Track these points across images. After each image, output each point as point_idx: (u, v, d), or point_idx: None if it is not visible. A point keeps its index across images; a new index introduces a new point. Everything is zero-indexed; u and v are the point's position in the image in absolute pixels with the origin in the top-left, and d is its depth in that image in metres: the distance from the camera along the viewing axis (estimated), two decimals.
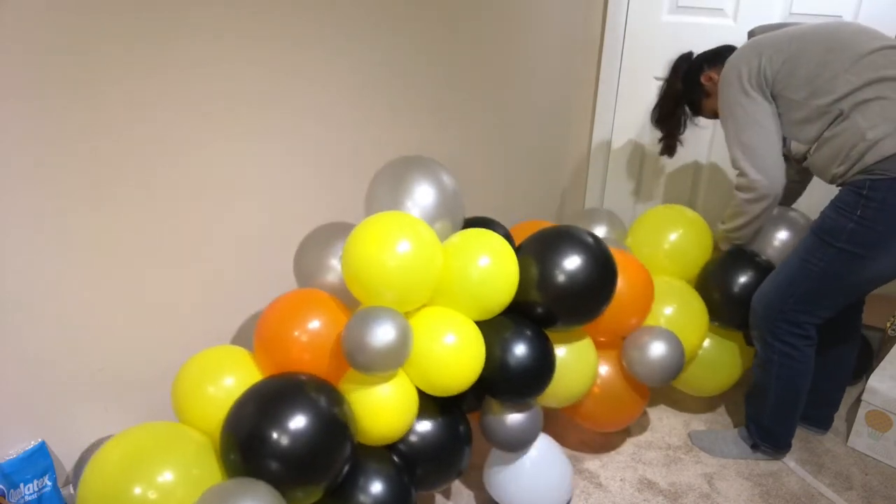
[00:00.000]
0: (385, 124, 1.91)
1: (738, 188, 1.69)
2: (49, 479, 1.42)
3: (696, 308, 1.87)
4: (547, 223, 2.02)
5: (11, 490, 1.37)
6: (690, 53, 1.90)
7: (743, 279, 1.82)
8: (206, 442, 1.28)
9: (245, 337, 1.69)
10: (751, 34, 1.77)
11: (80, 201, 1.36)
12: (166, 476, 1.15)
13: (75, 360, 1.45)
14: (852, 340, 1.89)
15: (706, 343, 1.93)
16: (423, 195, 1.48)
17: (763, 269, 1.81)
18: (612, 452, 1.94)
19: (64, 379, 1.44)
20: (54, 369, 1.42)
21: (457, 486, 1.81)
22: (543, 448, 1.61)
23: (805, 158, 1.64)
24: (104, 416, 1.51)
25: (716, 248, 1.98)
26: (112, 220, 1.42)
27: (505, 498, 1.60)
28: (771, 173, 1.62)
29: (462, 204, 1.58)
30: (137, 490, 1.13)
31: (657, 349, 1.68)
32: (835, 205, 1.55)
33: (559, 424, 2.00)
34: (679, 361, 1.71)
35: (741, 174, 1.66)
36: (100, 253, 1.42)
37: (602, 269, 1.53)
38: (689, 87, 1.89)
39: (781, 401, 1.76)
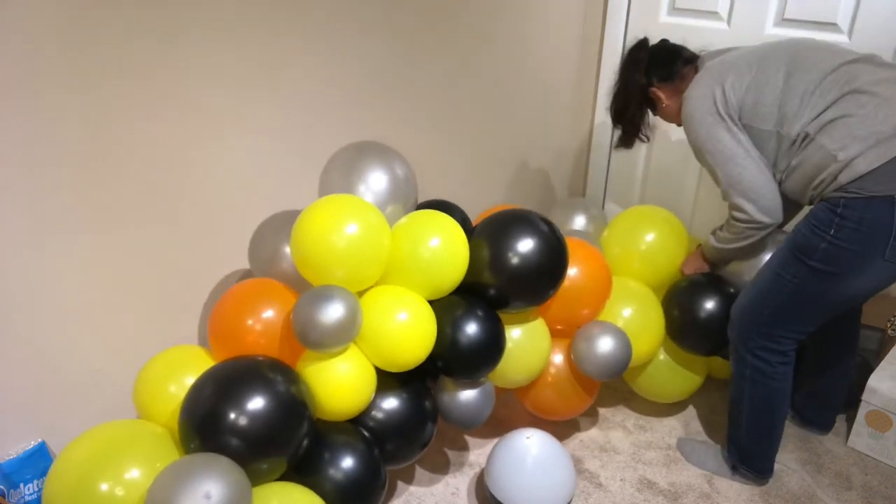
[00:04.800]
0: (387, 122, 1.91)
1: (737, 220, 1.61)
2: None
3: (654, 317, 1.86)
4: (515, 207, 2.03)
5: (11, 490, 1.37)
6: (646, 41, 1.78)
7: (708, 306, 1.78)
8: (167, 434, 1.30)
9: None
10: (700, 61, 1.69)
11: (80, 201, 1.36)
12: (131, 472, 1.17)
13: (75, 360, 1.45)
14: (850, 342, 1.87)
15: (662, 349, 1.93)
16: (375, 180, 1.51)
17: (730, 299, 1.76)
18: (612, 452, 1.94)
19: (64, 379, 1.44)
20: (54, 369, 1.42)
21: (458, 484, 1.82)
22: (546, 445, 1.62)
23: (778, 186, 1.58)
24: (104, 416, 1.51)
25: (688, 263, 1.92)
26: (112, 221, 1.42)
27: (507, 496, 1.59)
28: (768, 203, 1.55)
29: (415, 188, 1.60)
30: (104, 487, 1.14)
31: (604, 344, 1.68)
32: (809, 221, 1.49)
33: (558, 425, 2.00)
34: (624, 359, 1.70)
35: (737, 209, 1.59)
36: (100, 253, 1.42)
37: (552, 254, 1.56)
38: (645, 91, 1.76)
39: (755, 419, 1.69)
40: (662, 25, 2.34)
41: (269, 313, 1.38)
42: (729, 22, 2.19)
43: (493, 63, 2.19)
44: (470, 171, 2.29)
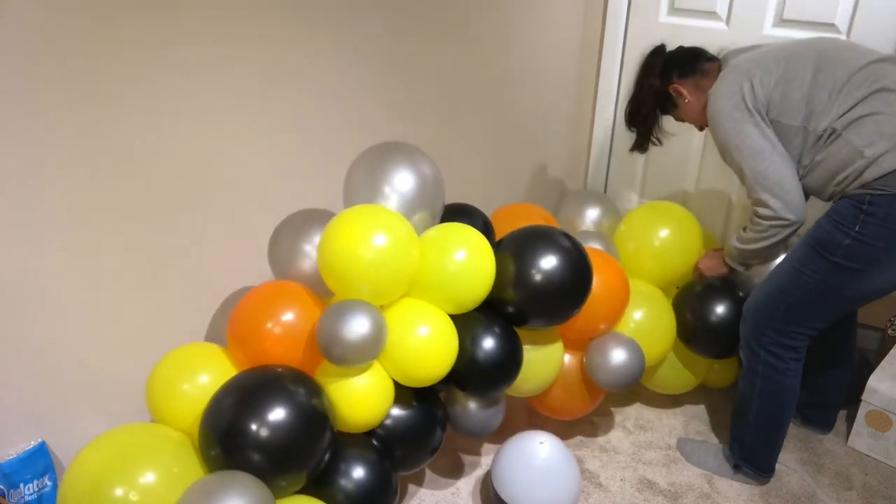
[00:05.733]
0: (386, 120, 1.91)
1: (762, 217, 1.58)
2: (49, 479, 1.42)
3: (666, 320, 1.87)
4: (533, 206, 2.04)
5: (11, 490, 1.37)
6: (662, 47, 1.79)
7: (720, 310, 1.80)
8: (185, 440, 1.29)
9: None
10: (724, 59, 1.68)
11: (81, 202, 1.36)
12: (147, 477, 1.16)
13: (75, 360, 1.44)
14: (848, 340, 1.88)
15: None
16: (401, 181, 1.46)
17: (741, 304, 1.76)
18: (612, 452, 1.94)
19: (64, 379, 1.44)
20: (54, 369, 1.42)
21: (459, 484, 1.82)
22: (557, 452, 1.62)
23: (800, 181, 1.57)
24: (104, 416, 1.51)
25: (701, 268, 1.92)
26: (113, 221, 1.42)
27: (514, 499, 1.59)
28: (793, 199, 1.53)
29: (442, 191, 1.56)
30: (119, 492, 1.13)
31: (618, 356, 1.69)
32: (832, 217, 1.50)
33: (559, 424, 2.00)
34: (637, 371, 1.72)
35: (762, 205, 1.57)
36: (100, 253, 1.42)
37: (578, 275, 1.55)
38: (663, 90, 1.77)
39: (764, 417, 1.70)
40: (662, 25, 2.35)
41: (288, 317, 1.36)
42: (728, 22, 2.20)
43: (493, 62, 2.19)
44: (471, 169, 2.29)
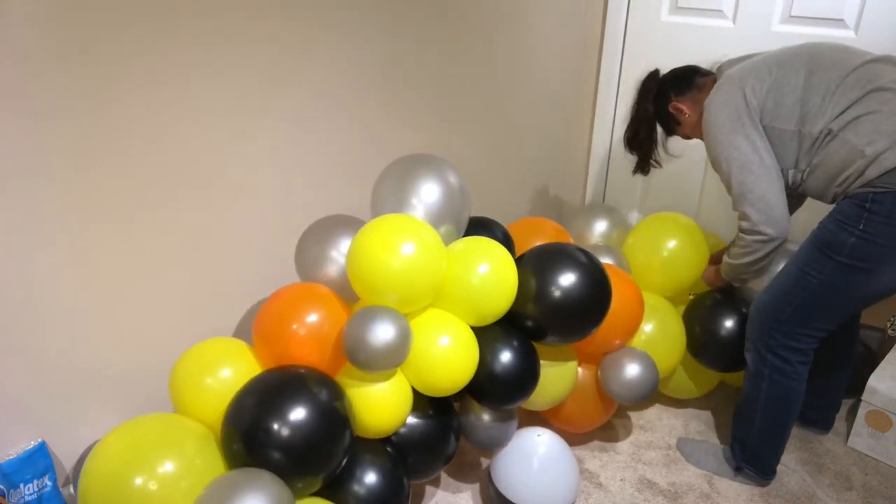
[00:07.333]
0: (388, 123, 1.91)
1: (744, 231, 1.60)
2: (49, 479, 1.42)
3: (676, 332, 1.89)
4: (546, 220, 2.04)
5: (11, 490, 1.37)
6: (657, 72, 1.82)
7: (729, 324, 1.81)
8: (207, 432, 1.29)
9: (245, 332, 1.70)
10: (719, 71, 1.70)
11: (81, 201, 1.36)
12: (167, 467, 1.16)
13: (75, 360, 1.44)
14: (850, 339, 1.88)
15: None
16: (428, 193, 1.48)
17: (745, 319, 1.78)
18: (612, 452, 1.94)
19: (64, 379, 1.44)
20: (54, 369, 1.42)
21: (459, 482, 1.81)
22: (555, 445, 1.63)
23: (799, 185, 1.59)
24: (104, 416, 1.51)
25: (710, 279, 1.93)
26: (113, 220, 1.42)
27: (513, 492, 1.60)
28: (775, 215, 1.55)
29: (469, 203, 1.58)
30: (139, 481, 1.13)
31: (632, 371, 1.72)
32: (835, 218, 1.50)
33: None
34: (652, 385, 1.74)
35: (745, 218, 1.58)
36: (101, 252, 1.42)
37: (597, 295, 1.56)
38: (660, 112, 1.80)
39: (770, 420, 1.70)
40: (664, 25, 2.34)
41: (313, 318, 1.38)
42: (734, 20, 2.18)
43: (491, 65, 2.19)
44: (469, 176, 2.29)
